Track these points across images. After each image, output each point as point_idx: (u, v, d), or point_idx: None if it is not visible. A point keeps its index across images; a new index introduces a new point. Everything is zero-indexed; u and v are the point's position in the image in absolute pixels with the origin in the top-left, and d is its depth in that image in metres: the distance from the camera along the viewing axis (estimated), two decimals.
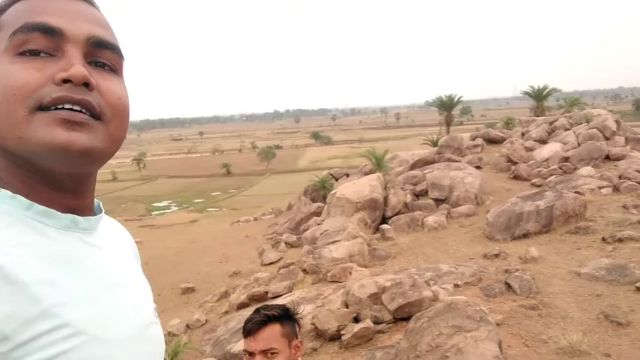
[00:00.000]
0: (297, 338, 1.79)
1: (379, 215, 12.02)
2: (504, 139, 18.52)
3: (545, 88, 32.89)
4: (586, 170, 12.90)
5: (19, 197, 0.67)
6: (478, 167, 15.11)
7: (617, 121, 16.59)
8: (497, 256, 7.80)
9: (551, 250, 7.82)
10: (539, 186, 12.48)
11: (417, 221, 10.92)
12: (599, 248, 7.58)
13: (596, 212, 9.42)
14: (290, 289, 8.31)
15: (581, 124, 17.11)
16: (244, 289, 9.50)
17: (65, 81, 0.66)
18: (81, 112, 0.67)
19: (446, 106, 39.94)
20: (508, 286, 6.32)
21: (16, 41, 0.67)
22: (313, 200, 18.59)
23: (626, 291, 5.79)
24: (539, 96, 32.87)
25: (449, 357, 4.31)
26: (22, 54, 0.66)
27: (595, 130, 15.50)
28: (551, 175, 13.44)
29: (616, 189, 11.42)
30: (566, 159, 14.40)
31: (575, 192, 10.40)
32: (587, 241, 8.04)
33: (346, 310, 6.03)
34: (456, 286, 6.57)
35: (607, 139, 15.25)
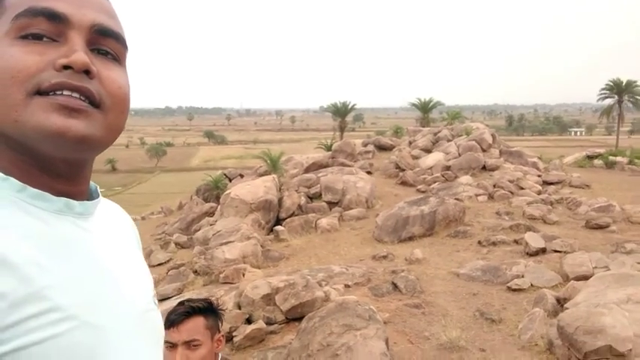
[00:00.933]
0: (219, 332, 1.78)
1: (273, 217, 12.06)
2: (393, 147, 19.44)
3: (430, 100, 35.02)
4: (465, 179, 13.93)
5: (12, 179, 0.66)
6: (369, 172, 15.71)
7: (493, 135, 18.10)
8: (385, 257, 8.16)
9: (433, 252, 8.34)
10: (423, 192, 13.25)
11: (310, 223, 11.11)
12: (475, 251, 8.23)
13: (474, 217, 10.21)
14: (180, 291, 8.06)
15: (461, 136, 18.41)
16: None
17: (66, 67, 0.64)
18: (79, 99, 0.65)
19: (340, 112, 41.13)
20: (395, 286, 6.64)
21: (19, 24, 0.65)
22: (206, 200, 18.18)
23: (499, 290, 6.35)
24: (424, 108, 34.91)
25: (339, 355, 4.43)
26: (24, 37, 0.65)
27: (474, 142, 16.78)
28: (435, 182, 14.33)
29: (491, 197, 12.45)
30: (448, 168, 15.44)
31: (456, 198, 11.19)
32: (465, 244, 8.69)
33: (238, 311, 5.99)
34: (347, 286, 6.78)
35: (484, 150, 16.57)
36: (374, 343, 4.50)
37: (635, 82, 42.30)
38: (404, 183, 14.77)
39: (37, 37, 0.65)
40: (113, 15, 0.73)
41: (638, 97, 42.80)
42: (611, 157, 21.66)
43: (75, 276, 0.65)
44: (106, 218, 0.79)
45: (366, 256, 8.40)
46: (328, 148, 22.91)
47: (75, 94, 0.65)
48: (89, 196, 0.78)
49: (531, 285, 6.38)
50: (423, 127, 26.69)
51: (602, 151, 24.15)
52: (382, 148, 19.88)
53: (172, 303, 6.86)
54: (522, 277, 6.61)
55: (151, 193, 46.80)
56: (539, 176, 14.88)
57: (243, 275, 7.79)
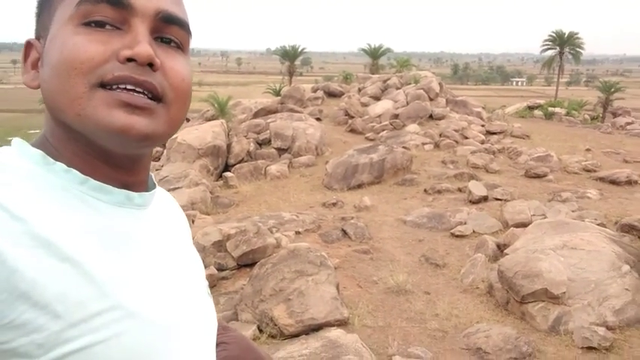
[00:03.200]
0: None
1: (222, 163, 11.92)
2: (343, 94, 19.37)
3: (380, 47, 34.83)
4: (413, 127, 14.16)
5: (74, 171, 0.65)
6: (318, 119, 15.67)
7: (440, 84, 18.34)
8: (334, 204, 8.29)
9: (381, 199, 8.54)
10: (372, 140, 13.41)
11: (259, 170, 11.07)
12: (421, 199, 8.49)
13: (420, 166, 10.47)
14: None
15: (410, 84, 18.56)
16: None
17: (129, 59, 0.61)
18: (143, 93, 0.63)
19: (289, 55, 40.27)
20: (344, 232, 6.79)
21: (82, 11, 0.62)
22: None
23: (443, 237, 6.63)
24: (374, 54, 34.72)
25: (291, 300, 4.55)
26: (87, 24, 0.62)
27: (422, 90, 16.97)
28: (383, 130, 14.50)
29: (437, 146, 12.77)
30: (397, 116, 15.61)
31: (403, 147, 11.41)
32: (412, 192, 8.94)
33: None
34: (298, 233, 6.88)
35: (431, 99, 16.81)
36: (325, 288, 4.64)
37: (576, 33, 43.57)
38: (353, 130, 14.86)
39: (100, 25, 0.63)
40: (178, 0, 0.70)
41: (578, 50, 44.21)
42: (550, 108, 22.53)
43: (136, 271, 0.65)
44: (160, 208, 0.78)
45: (316, 204, 8.51)
46: (277, 93, 22.59)
47: (138, 89, 0.62)
48: (147, 185, 0.77)
49: (473, 231, 6.69)
50: (373, 73, 26.69)
51: (542, 102, 25.04)
52: (331, 94, 19.78)
53: None
54: (465, 223, 6.91)
55: None
56: (482, 126, 15.31)
57: (193, 222, 7.73)
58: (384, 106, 16.78)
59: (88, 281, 0.58)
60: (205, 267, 4.55)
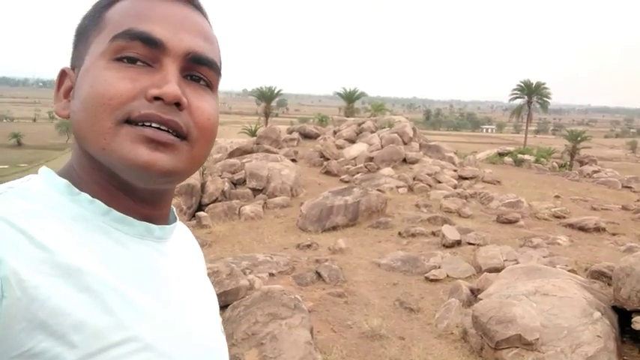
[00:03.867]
0: None
1: (196, 202, 11.80)
2: (318, 136, 19.59)
3: (355, 91, 35.63)
4: (387, 170, 14.33)
5: (98, 202, 0.66)
6: (294, 160, 15.74)
7: (414, 129, 18.71)
8: (309, 246, 8.24)
9: (356, 242, 8.53)
10: (347, 182, 13.49)
11: (234, 210, 10.98)
12: (396, 242, 8.51)
13: (395, 209, 10.54)
14: None
15: (384, 128, 18.88)
16: None
17: (156, 98, 0.62)
18: (167, 131, 0.63)
19: (265, 97, 40.80)
20: (319, 275, 6.73)
21: (115, 46, 0.65)
22: None
23: (417, 280, 6.62)
24: (350, 97, 35.46)
25: (264, 344, 4.45)
26: (119, 60, 0.64)
27: (396, 134, 17.27)
28: (358, 172, 14.63)
29: (410, 189, 12.91)
30: (371, 159, 15.80)
31: (378, 190, 11.50)
32: (386, 234, 8.96)
33: None
34: (271, 275, 6.78)
35: (405, 143, 17.10)
36: (299, 332, 4.56)
37: (543, 84, 45.37)
38: (328, 172, 14.95)
39: (131, 60, 0.64)
40: (209, 38, 0.71)
41: (545, 99, 45.90)
42: (519, 155, 23.13)
43: (154, 305, 0.65)
44: (179, 241, 0.79)
45: (291, 245, 8.45)
46: (252, 134, 22.74)
47: (163, 127, 0.64)
48: (168, 219, 0.78)
49: (447, 276, 6.70)
50: (348, 117, 27.12)
51: (511, 148, 25.75)
52: (307, 136, 19.97)
53: None
54: (439, 267, 6.93)
55: None
56: (455, 171, 15.58)
57: None
58: (358, 148, 16.98)
59: (106, 312, 0.59)
60: None
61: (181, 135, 0.66)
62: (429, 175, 13.97)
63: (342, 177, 14.36)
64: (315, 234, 9.21)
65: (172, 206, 0.80)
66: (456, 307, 5.47)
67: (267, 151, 15.56)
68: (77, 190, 0.66)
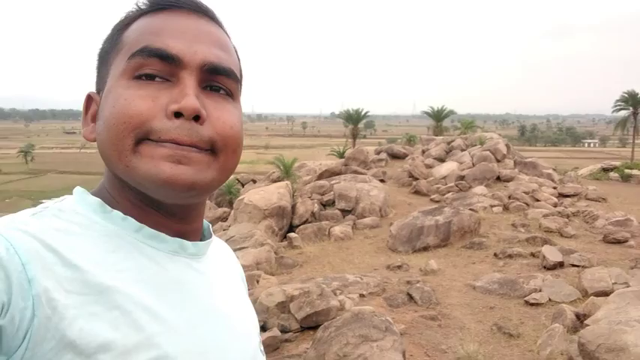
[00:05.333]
0: None
1: (287, 223, 12.04)
2: (406, 155, 19.36)
3: (443, 109, 34.95)
4: (479, 189, 13.82)
5: (130, 219, 0.67)
6: (382, 181, 15.66)
7: (507, 145, 17.98)
8: (399, 267, 8.10)
9: (448, 263, 8.27)
10: (437, 202, 13.17)
11: (323, 231, 11.07)
12: (491, 263, 8.14)
13: (489, 229, 10.11)
14: None
15: (475, 145, 18.32)
16: None
17: (177, 114, 0.63)
18: (188, 146, 0.65)
19: (352, 119, 41.13)
20: (410, 296, 6.58)
21: (134, 65, 0.66)
22: (219, 205, 18.23)
23: (516, 304, 6.26)
24: (437, 116, 34.85)
25: None
26: (139, 77, 0.66)
27: (488, 152, 16.67)
28: (449, 192, 14.23)
29: (506, 208, 12.33)
30: (462, 177, 15.33)
31: (470, 209, 11.09)
32: (480, 255, 8.60)
33: None
34: (362, 295, 6.73)
35: (498, 161, 16.45)
36: (391, 355, 4.46)
37: None
38: (417, 192, 14.69)
39: (150, 77, 0.65)
40: (225, 47, 0.72)
41: None
42: (627, 170, 21.40)
43: (185, 322, 0.65)
44: (216, 257, 0.78)
45: (381, 266, 8.35)
46: (341, 155, 22.92)
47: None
48: (202, 234, 0.77)
49: (549, 299, 6.29)
50: (436, 135, 26.63)
51: (617, 163, 23.88)
52: (395, 156, 19.82)
53: None
54: (540, 291, 6.52)
55: None
56: (554, 188, 14.71)
57: (257, 282, 7.76)
58: (449, 167, 16.57)
59: (136, 330, 0.58)
60: (269, 328, 4.52)
61: (202, 148, 0.66)
62: (525, 193, 13.29)
63: (432, 196, 14.04)
64: (405, 254, 9.05)
65: (209, 222, 0.80)
66: (560, 333, 5.10)
67: (356, 172, 15.61)
68: (110, 208, 0.67)
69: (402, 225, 9.86)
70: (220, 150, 0.68)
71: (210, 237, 0.78)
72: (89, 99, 0.73)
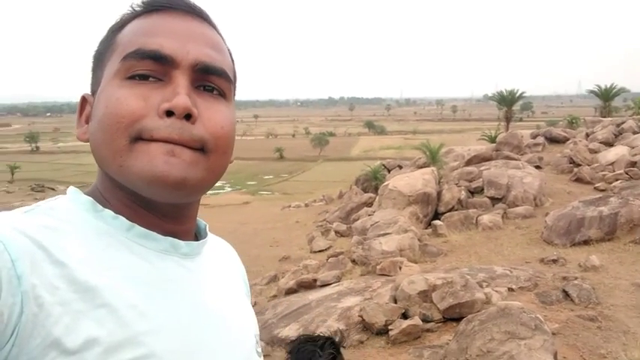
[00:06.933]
0: None
1: (431, 210, 11.83)
2: (567, 139, 17.77)
3: (612, 87, 31.34)
4: None
5: (121, 218, 0.68)
6: (538, 167, 14.58)
7: None
8: (555, 261, 7.52)
9: (613, 259, 7.47)
10: (602, 190, 11.91)
11: (470, 219, 10.66)
12: None
13: None
14: (338, 279, 8.30)
15: None
16: (293, 275, 9.58)
17: (168, 112, 0.65)
18: (180, 145, 0.66)
19: (506, 101, 38.70)
20: (566, 294, 6.08)
21: (127, 65, 0.67)
22: (364, 190, 18.50)
23: None
24: (606, 96, 31.33)
25: None
26: (132, 77, 0.67)
27: None
28: (617, 180, 12.79)
29: None
30: (634, 164, 13.66)
31: None
32: None
33: (395, 305, 5.97)
34: (510, 290, 6.38)
35: None
36: (540, 356, 4.19)
37: None
38: (579, 180, 13.42)
39: (143, 77, 0.66)
40: (218, 47, 0.72)
41: None
42: None
43: (174, 321, 0.65)
44: (213, 257, 0.79)
45: (533, 259, 7.82)
46: (492, 140, 21.81)
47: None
48: (197, 234, 0.78)
49: None
50: (604, 117, 24.05)
51: None
52: (554, 140, 18.29)
53: (332, 290, 7.11)
54: None
55: (314, 181, 49.14)
56: None
57: (400, 269, 7.76)
58: (618, 152, 14.85)
59: (122, 328, 0.58)
60: (410, 316, 4.52)
61: (194, 147, 0.65)
62: None
63: (597, 185, 12.72)
64: (562, 248, 8.36)
65: (205, 222, 0.79)
66: None
67: (508, 157, 14.75)
68: (101, 207, 0.67)
69: (560, 215, 9.10)
70: (211, 150, 0.68)
71: (206, 237, 0.78)
72: (83, 101, 0.74)
